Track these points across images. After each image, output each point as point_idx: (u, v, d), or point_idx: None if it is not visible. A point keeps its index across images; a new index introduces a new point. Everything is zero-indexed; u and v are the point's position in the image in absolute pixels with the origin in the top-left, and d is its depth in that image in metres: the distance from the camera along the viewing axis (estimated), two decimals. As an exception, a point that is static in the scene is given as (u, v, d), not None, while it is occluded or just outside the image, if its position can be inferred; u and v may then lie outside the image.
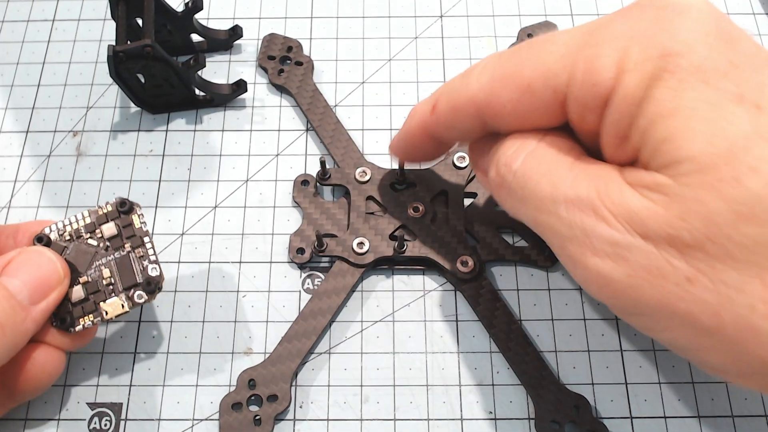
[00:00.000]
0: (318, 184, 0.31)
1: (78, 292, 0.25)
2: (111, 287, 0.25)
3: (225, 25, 0.35)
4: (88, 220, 0.26)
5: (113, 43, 0.30)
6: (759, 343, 0.17)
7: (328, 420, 0.27)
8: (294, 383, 0.28)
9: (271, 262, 0.30)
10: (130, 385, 0.28)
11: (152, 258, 0.25)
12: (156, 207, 0.32)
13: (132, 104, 0.34)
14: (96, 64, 0.35)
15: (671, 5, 0.19)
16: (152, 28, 0.30)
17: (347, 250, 0.29)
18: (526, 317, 0.29)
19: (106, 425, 0.27)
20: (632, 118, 0.19)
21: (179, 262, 0.30)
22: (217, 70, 0.35)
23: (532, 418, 0.27)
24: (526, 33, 0.35)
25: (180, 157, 0.33)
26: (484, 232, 0.30)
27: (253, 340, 0.29)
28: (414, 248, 0.29)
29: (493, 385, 0.28)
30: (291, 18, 0.37)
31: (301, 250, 0.30)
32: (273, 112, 0.34)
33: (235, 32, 0.35)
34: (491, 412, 0.27)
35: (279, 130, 0.33)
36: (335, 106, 0.34)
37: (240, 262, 0.30)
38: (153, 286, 0.25)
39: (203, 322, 0.29)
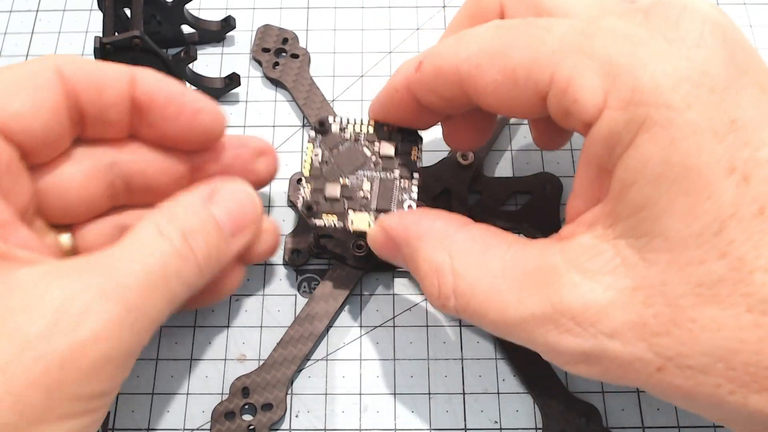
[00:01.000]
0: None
1: (333, 189, 0.26)
2: (364, 201, 0.25)
3: (217, 16, 0.35)
4: (370, 130, 0.26)
5: (100, 34, 0.30)
6: (730, 412, 0.18)
7: (325, 430, 0.27)
8: (290, 391, 0.28)
9: (265, 264, 0.30)
10: (118, 394, 0.27)
11: (413, 196, 0.25)
12: (145, 206, 0.31)
13: (120, 98, 0.34)
14: (82, 57, 0.34)
15: (680, 22, 0.18)
16: (141, 19, 0.30)
17: (346, 252, 0.29)
18: (532, 322, 0.29)
19: (92, 436, 0.27)
20: (613, 158, 0.19)
21: (169, 264, 0.30)
22: (209, 63, 0.35)
23: (540, 428, 0.27)
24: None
25: (170, 154, 0.32)
26: (489, 233, 0.30)
27: (246, 346, 0.28)
28: (416, 250, 0.29)
29: (498, 393, 0.27)
30: (286, 8, 0.36)
31: (297, 252, 0.30)
32: (268, 107, 0.34)
33: (228, 23, 0.35)
34: (497, 422, 0.27)
35: (274, 126, 0.33)
36: (333, 100, 0.34)
37: (233, 264, 0.30)
38: None
39: (194, 327, 0.29)
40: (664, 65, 0.18)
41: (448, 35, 0.25)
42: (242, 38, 0.35)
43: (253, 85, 0.34)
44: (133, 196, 0.25)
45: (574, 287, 0.19)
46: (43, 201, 0.23)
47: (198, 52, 0.34)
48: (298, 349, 0.28)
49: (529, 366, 0.27)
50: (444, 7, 0.36)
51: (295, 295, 0.29)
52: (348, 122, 0.26)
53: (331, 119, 0.26)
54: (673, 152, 0.17)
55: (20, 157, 0.22)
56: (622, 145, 0.18)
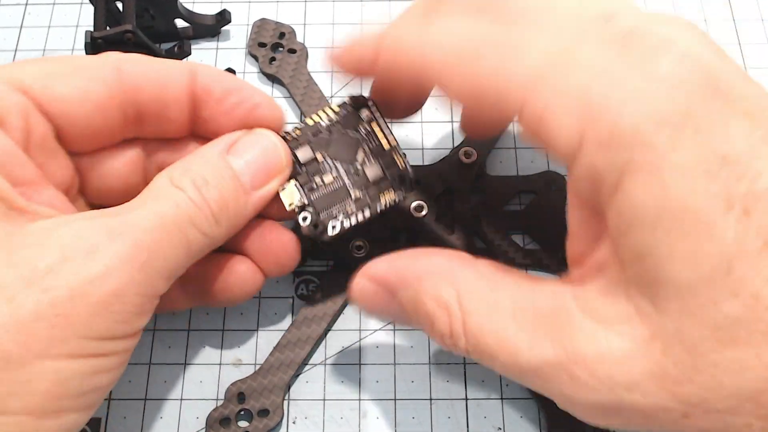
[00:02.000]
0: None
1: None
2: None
3: (212, 10, 0.35)
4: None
5: (91, 28, 0.30)
6: None
7: (323, 437, 0.27)
8: (287, 397, 0.28)
9: (261, 266, 0.30)
10: (109, 399, 0.27)
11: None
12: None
13: (112, 95, 0.34)
14: (72, 52, 0.35)
15: (658, 58, 0.18)
16: (133, 13, 0.30)
17: (345, 253, 0.29)
18: (537, 325, 0.29)
19: (83, 442, 0.27)
20: (602, 200, 0.18)
21: (163, 265, 0.30)
22: (203, 58, 0.35)
23: (545, 435, 0.27)
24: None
25: (163, 152, 0.32)
26: (494, 234, 0.30)
27: (242, 350, 0.28)
28: (416, 251, 0.29)
29: (501, 398, 0.27)
30: (283, 2, 0.36)
31: (294, 253, 0.30)
32: (264, 104, 0.33)
33: (223, 17, 0.35)
34: (500, 428, 0.27)
35: (270, 123, 0.33)
36: (331, 97, 0.34)
37: (228, 266, 0.30)
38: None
39: (188, 330, 0.29)
40: (644, 106, 0.17)
41: (412, 15, 0.24)
42: (238, 33, 0.35)
43: (250, 80, 0.34)
44: None
45: (588, 335, 0.18)
46: (85, 185, 0.24)
47: (192, 47, 0.34)
48: (296, 353, 0.28)
49: (533, 370, 0.27)
50: (446, 0, 0.36)
51: (293, 298, 0.29)
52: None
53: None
54: (666, 197, 0.17)
55: (56, 137, 0.23)
56: (608, 187, 0.18)
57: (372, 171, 0.25)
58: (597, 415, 0.19)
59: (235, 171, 0.23)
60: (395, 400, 0.28)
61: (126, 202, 0.22)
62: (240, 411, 0.27)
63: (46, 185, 0.22)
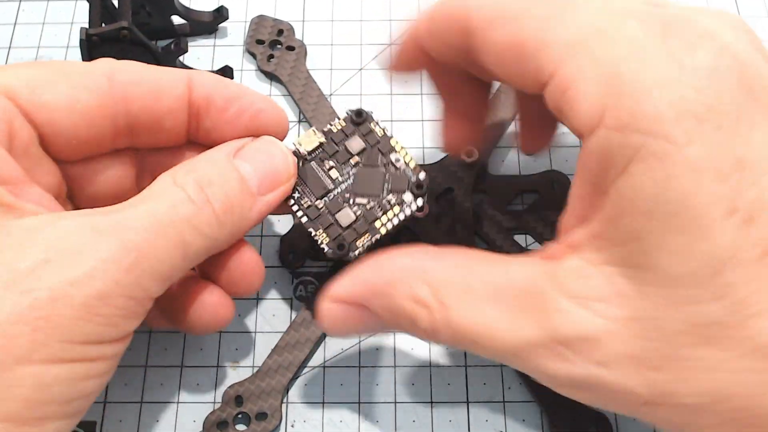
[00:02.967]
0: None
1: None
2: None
3: (209, 6, 0.35)
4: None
5: (86, 26, 0.30)
6: None
7: (322, 440, 0.27)
8: (285, 400, 0.28)
9: (259, 267, 0.30)
10: (105, 402, 0.27)
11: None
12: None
13: (107, 93, 0.34)
14: (67, 49, 0.35)
15: (697, 48, 0.18)
16: (129, 10, 0.30)
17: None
18: (540, 327, 0.29)
19: (78, 446, 0.27)
20: (608, 181, 0.18)
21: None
22: (200, 56, 0.35)
23: (547, 439, 0.27)
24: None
25: (160, 151, 0.32)
26: (495, 234, 0.30)
27: (239, 353, 0.28)
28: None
29: (504, 402, 0.28)
30: (282, -2, 0.36)
31: (292, 253, 0.30)
32: (262, 102, 0.34)
33: (221, 14, 0.35)
34: (502, 432, 0.27)
35: (268, 122, 0.33)
36: (330, 95, 0.34)
37: (226, 267, 0.30)
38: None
39: (185, 332, 0.29)
40: (670, 94, 0.17)
41: None
42: (235, 29, 0.35)
43: (247, 78, 0.34)
44: None
45: (565, 314, 0.19)
46: (74, 192, 0.24)
47: (189, 44, 0.34)
48: (294, 355, 0.28)
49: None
50: (447, -3, 0.36)
51: (291, 299, 0.29)
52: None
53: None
54: (668, 188, 0.17)
55: (41, 144, 0.22)
56: (616, 169, 0.18)
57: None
58: (571, 387, 0.20)
59: (242, 174, 0.23)
60: (395, 403, 0.28)
61: None
62: (237, 414, 0.27)
63: (33, 184, 0.22)
